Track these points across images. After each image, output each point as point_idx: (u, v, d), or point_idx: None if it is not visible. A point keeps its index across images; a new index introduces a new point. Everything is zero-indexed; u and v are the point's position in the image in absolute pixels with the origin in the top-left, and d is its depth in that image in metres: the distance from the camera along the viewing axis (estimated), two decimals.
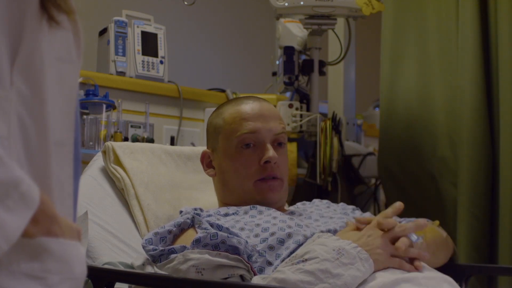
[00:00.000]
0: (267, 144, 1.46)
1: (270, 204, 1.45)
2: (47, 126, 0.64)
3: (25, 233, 0.57)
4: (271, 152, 1.44)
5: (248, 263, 1.17)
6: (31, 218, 0.58)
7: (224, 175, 1.49)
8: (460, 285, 1.28)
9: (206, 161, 1.55)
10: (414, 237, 1.26)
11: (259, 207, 1.40)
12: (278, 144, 1.48)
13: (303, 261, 1.11)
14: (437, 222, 1.51)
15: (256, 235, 1.27)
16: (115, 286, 1.21)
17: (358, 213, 1.56)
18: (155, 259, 1.25)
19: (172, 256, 1.20)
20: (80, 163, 0.77)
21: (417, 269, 1.21)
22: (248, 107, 1.49)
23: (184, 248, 1.21)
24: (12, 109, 0.60)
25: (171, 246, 1.24)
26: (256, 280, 1.16)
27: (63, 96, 0.68)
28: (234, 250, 1.17)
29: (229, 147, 1.47)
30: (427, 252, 1.25)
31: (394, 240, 1.23)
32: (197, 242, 1.19)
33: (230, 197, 1.49)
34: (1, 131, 0.58)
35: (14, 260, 0.58)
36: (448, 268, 1.39)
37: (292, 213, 1.45)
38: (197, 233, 1.23)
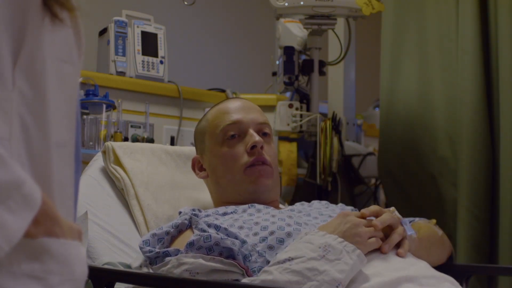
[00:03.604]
0: (250, 130, 1.46)
1: (263, 192, 1.44)
2: (49, 127, 0.64)
3: (26, 234, 0.57)
4: (256, 137, 1.43)
5: (243, 268, 1.16)
6: (33, 219, 0.58)
7: (215, 173, 1.49)
8: (460, 285, 1.27)
9: (198, 166, 1.55)
10: (409, 229, 1.26)
11: (257, 206, 1.39)
12: (263, 134, 1.48)
13: (289, 259, 1.11)
14: (433, 220, 1.50)
15: (255, 234, 1.26)
16: (115, 286, 1.21)
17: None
18: (151, 261, 1.25)
19: (167, 259, 1.20)
20: (81, 163, 0.77)
21: (400, 256, 1.21)
22: (230, 103, 1.52)
23: (178, 251, 1.21)
24: (14, 110, 0.60)
25: (166, 249, 1.23)
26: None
27: (64, 96, 0.68)
28: (228, 251, 1.16)
29: (216, 143, 1.47)
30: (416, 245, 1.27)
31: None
32: (190, 246, 1.18)
33: (224, 194, 1.48)
34: (3, 132, 0.58)
35: (15, 260, 0.58)
36: (447, 268, 1.39)
37: (291, 210, 1.44)
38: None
